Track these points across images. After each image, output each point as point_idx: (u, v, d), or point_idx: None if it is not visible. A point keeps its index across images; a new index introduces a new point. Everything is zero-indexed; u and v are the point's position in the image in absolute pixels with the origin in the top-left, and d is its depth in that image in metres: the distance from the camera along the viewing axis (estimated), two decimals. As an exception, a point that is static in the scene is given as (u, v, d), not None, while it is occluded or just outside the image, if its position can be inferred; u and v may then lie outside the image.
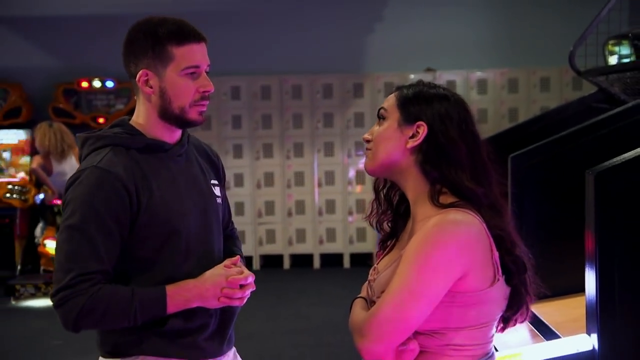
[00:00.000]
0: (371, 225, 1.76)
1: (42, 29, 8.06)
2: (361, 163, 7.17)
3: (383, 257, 1.73)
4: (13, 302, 6.59)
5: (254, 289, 1.85)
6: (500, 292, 1.59)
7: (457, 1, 7.99)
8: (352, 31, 8.01)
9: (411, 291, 1.52)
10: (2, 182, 7.36)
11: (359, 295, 1.73)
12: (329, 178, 7.76)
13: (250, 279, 1.83)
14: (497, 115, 7.78)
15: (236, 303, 1.82)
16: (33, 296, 6.57)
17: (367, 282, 1.75)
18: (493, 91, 7.82)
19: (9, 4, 8.05)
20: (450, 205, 1.58)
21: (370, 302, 1.68)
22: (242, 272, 1.82)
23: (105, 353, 1.86)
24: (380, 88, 7.70)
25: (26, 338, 5.50)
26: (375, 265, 1.73)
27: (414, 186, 1.63)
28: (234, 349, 1.99)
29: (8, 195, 7.19)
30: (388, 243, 1.75)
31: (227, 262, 1.85)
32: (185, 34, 1.80)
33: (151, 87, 1.82)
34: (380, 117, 1.68)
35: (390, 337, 1.54)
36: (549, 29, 7.76)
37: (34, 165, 6.81)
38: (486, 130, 6.66)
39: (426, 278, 1.51)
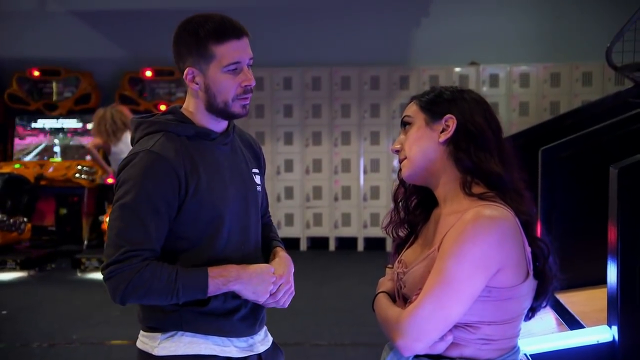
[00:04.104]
0: (387, 233, 1.73)
1: (111, 21, 8.21)
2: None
3: (406, 250, 1.69)
4: (79, 274, 6.76)
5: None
6: (530, 286, 1.56)
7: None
8: (399, 25, 7.93)
9: (451, 287, 1.48)
10: (72, 163, 7.55)
11: (380, 290, 1.68)
12: (374, 165, 7.73)
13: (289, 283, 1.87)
14: (538, 109, 7.59)
15: (280, 305, 1.86)
16: (97, 269, 6.67)
17: (386, 276, 1.72)
18: (535, 85, 7.64)
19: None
20: (481, 196, 1.55)
21: (399, 296, 1.64)
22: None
23: (146, 328, 1.87)
24: (425, 81, 7.60)
25: (89, 307, 5.64)
26: (400, 257, 1.68)
27: (446, 181, 1.61)
28: (265, 328, 1.98)
29: (77, 175, 7.36)
30: (404, 246, 1.72)
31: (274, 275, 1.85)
32: (225, 32, 1.78)
33: (197, 84, 1.82)
34: (406, 124, 1.67)
35: (431, 334, 1.50)
36: (592, 24, 7.52)
37: (90, 145, 6.82)
38: (527, 122, 6.55)
39: (466, 274, 1.48)
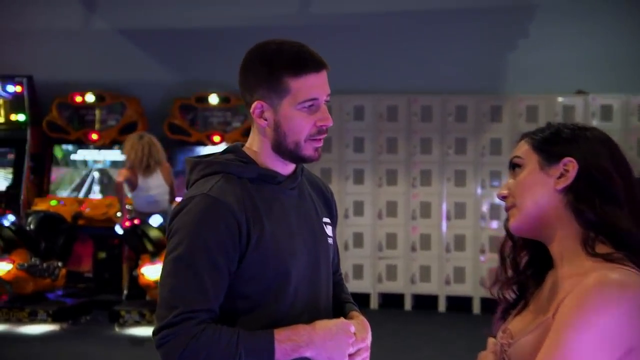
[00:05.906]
0: (492, 294, 1.66)
1: (162, 42, 8.19)
2: (496, 196, 7.04)
3: (514, 318, 1.61)
4: (117, 329, 6.52)
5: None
6: None
7: (613, 16, 7.42)
8: (491, 47, 7.62)
9: None
10: (113, 201, 7.47)
11: None
12: (459, 210, 7.42)
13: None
14: (662, 145, 7.18)
15: None
16: (137, 324, 6.47)
17: (488, 349, 1.63)
18: (658, 118, 7.20)
19: (130, 16, 8.28)
20: (608, 257, 1.45)
21: None
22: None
23: None
24: (521, 112, 7.25)
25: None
26: (505, 326, 1.61)
27: (562, 236, 1.53)
28: None
29: (119, 214, 7.27)
30: (510, 312, 1.64)
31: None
32: (303, 64, 1.76)
33: (266, 120, 1.80)
34: (516, 166, 1.61)
35: None
36: None
37: (120, 178, 6.69)
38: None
39: (588, 350, 1.38)
